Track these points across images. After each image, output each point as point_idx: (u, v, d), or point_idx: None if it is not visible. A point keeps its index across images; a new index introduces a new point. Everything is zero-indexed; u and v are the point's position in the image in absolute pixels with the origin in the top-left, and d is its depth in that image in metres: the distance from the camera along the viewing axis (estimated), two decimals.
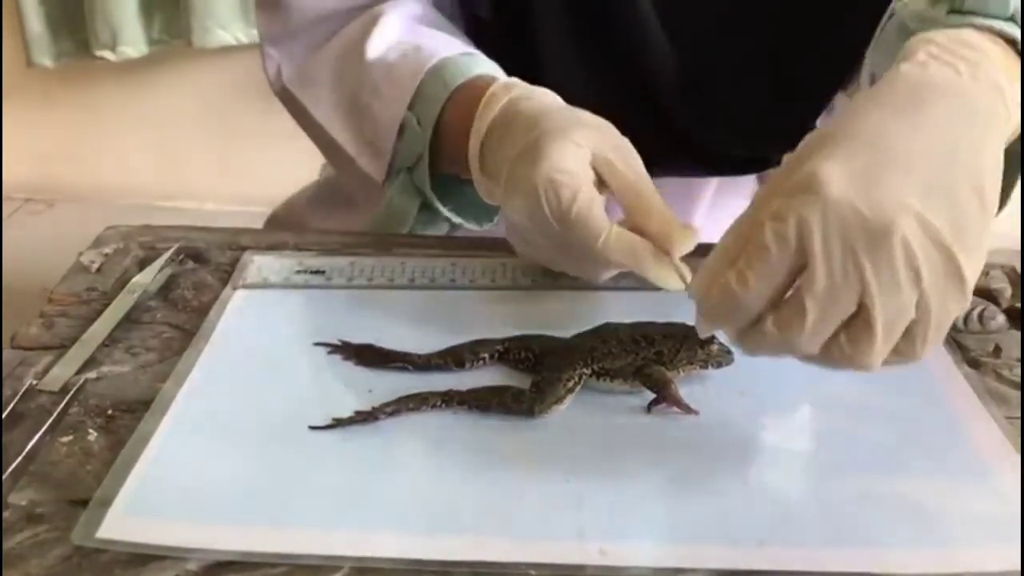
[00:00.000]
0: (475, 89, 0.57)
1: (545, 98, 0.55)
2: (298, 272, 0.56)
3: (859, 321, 0.36)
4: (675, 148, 0.68)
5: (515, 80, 0.57)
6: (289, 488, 0.40)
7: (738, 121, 0.67)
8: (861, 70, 0.56)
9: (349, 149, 0.63)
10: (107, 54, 1.65)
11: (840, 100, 0.67)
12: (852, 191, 0.35)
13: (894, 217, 0.35)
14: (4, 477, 0.39)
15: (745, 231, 0.38)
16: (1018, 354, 0.51)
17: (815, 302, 0.36)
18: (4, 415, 0.43)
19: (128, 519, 0.38)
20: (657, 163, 0.64)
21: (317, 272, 0.56)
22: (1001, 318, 0.54)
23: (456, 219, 0.62)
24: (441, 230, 0.64)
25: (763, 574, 0.36)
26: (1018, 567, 0.36)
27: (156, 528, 0.37)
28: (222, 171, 1.85)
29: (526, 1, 0.65)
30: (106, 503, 0.38)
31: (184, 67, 1.76)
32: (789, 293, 0.37)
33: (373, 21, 0.63)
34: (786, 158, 0.39)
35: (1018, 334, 0.53)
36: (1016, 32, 0.42)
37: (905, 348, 0.37)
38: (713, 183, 0.77)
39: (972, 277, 0.36)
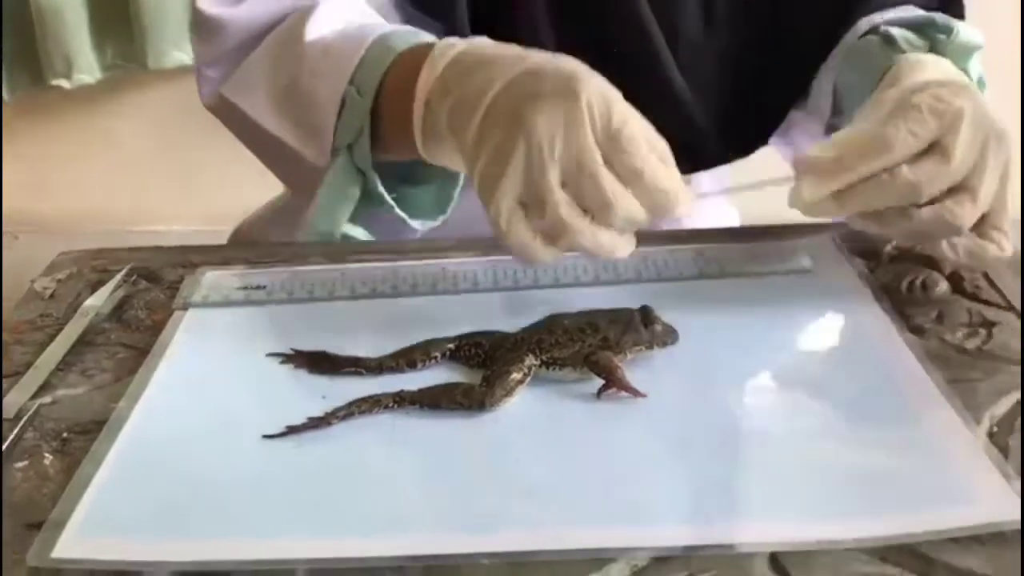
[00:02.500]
0: (422, 49, 0.55)
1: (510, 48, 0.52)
2: (239, 288, 0.56)
3: (963, 191, 0.49)
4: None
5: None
6: (246, 498, 0.40)
7: (723, 115, 0.72)
8: (813, 85, 0.69)
9: (291, 140, 0.60)
10: (62, 82, 1.64)
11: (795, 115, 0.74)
12: (986, 105, 0.49)
13: (1007, 130, 0.49)
14: None
15: (877, 114, 0.49)
16: (960, 319, 0.52)
17: (952, 160, 0.47)
18: None
19: (84, 538, 0.38)
20: None
21: (258, 288, 0.56)
22: (944, 285, 0.55)
23: (400, 212, 0.61)
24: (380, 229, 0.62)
25: (708, 548, 0.36)
26: (963, 526, 0.37)
27: (112, 545, 0.37)
28: (186, 192, 1.85)
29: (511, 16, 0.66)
30: (61, 524, 0.38)
31: (141, 90, 1.76)
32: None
33: (309, 10, 0.61)
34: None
35: (961, 299, 0.54)
36: (972, 71, 0.62)
37: (991, 223, 0.51)
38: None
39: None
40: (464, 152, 0.50)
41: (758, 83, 0.72)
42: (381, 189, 0.59)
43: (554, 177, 0.45)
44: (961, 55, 0.61)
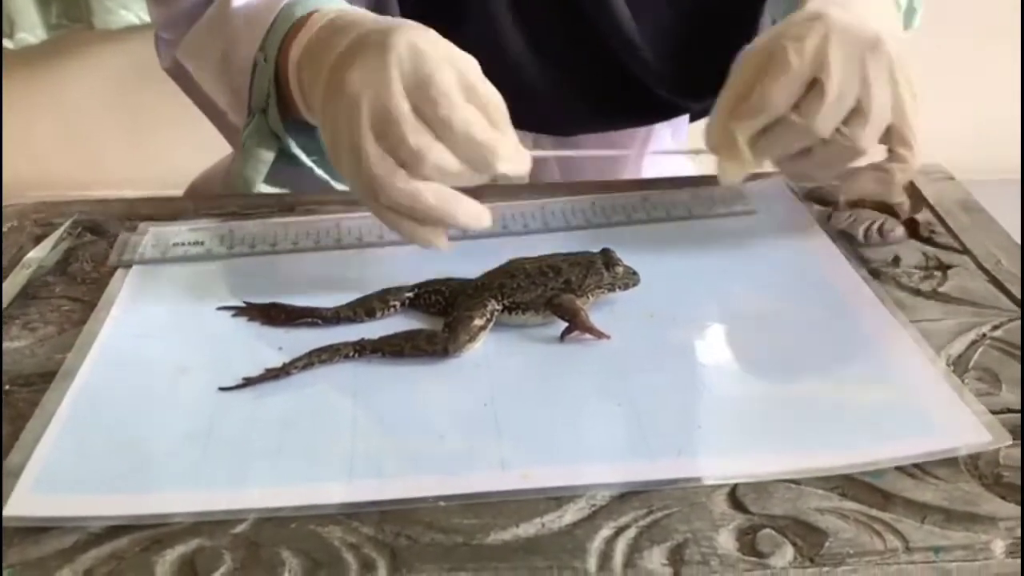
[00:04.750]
0: (314, 16, 0.55)
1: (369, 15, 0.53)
2: (176, 244, 0.54)
3: (855, 114, 0.48)
4: (618, 96, 0.71)
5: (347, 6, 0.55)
6: (201, 450, 0.39)
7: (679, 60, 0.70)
8: (762, 22, 0.68)
9: (221, 103, 0.61)
10: (4, 43, 1.58)
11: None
12: (849, 20, 0.48)
13: (882, 35, 0.48)
14: None
15: (748, 71, 0.49)
16: (916, 262, 0.52)
17: (828, 92, 0.47)
18: None
19: (36, 494, 0.36)
20: (595, 114, 0.70)
21: (196, 244, 0.54)
22: (900, 230, 0.55)
23: (321, 172, 0.60)
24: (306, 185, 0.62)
25: (668, 482, 0.36)
26: (921, 454, 0.38)
27: (65, 501, 0.36)
28: (137, 156, 1.80)
29: None
30: (16, 474, 0.37)
31: (88, 51, 1.70)
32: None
33: None
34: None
35: (917, 243, 0.54)
36: None
37: (895, 139, 0.50)
38: (638, 139, 0.80)
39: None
40: (314, 117, 0.51)
41: (710, 25, 0.70)
42: (296, 150, 0.58)
43: (367, 130, 0.44)
44: None
